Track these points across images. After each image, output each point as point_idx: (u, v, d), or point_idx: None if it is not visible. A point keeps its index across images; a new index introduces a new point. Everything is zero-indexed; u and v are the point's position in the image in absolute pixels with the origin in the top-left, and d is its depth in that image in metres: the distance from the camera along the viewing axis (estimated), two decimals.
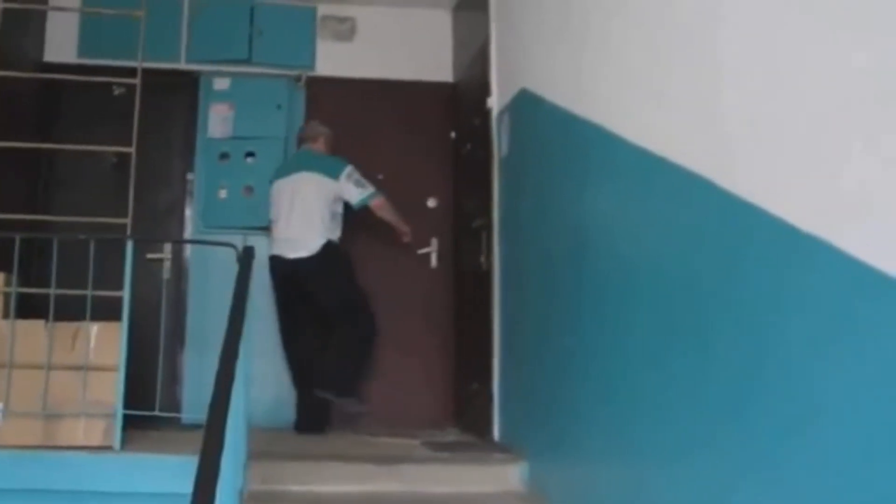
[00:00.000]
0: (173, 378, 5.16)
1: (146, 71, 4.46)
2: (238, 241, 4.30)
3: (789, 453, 1.87)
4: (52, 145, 4.83)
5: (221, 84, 5.57)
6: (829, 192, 1.75)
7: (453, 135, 5.55)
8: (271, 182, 5.08)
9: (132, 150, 4.30)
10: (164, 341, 4.41)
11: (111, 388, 3.76)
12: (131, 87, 4.44)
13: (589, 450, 3.13)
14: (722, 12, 2.25)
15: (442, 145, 5.60)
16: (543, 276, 3.74)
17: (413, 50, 5.72)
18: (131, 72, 4.42)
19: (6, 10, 4.31)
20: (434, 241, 5.56)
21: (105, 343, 3.84)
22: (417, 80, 5.69)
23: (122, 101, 4.79)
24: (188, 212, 5.53)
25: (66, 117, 5.32)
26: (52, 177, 5.35)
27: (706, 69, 2.31)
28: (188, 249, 5.46)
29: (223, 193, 5.45)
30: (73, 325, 3.85)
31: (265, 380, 4.75)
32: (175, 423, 4.58)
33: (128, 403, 3.77)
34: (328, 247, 4.84)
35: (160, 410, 4.07)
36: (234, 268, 3.71)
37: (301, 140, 5.23)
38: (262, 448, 3.70)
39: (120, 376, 3.75)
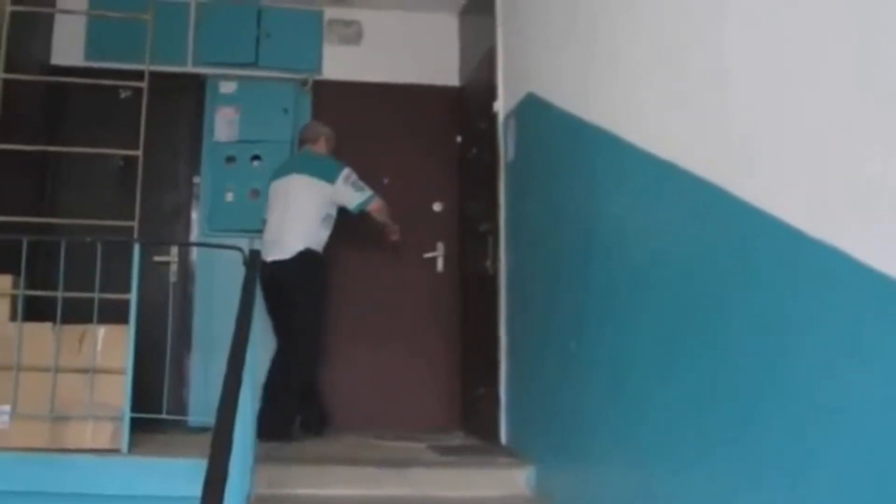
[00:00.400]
0: (180, 381, 5.16)
1: (153, 74, 4.46)
2: (244, 244, 4.29)
3: (800, 461, 1.86)
4: (58, 148, 4.83)
5: (228, 87, 5.58)
6: (839, 197, 1.75)
7: (459, 139, 5.56)
8: (269, 182, 5.07)
9: (139, 153, 4.30)
10: (170, 344, 4.40)
11: (118, 391, 3.76)
12: (138, 90, 4.44)
13: (596, 454, 3.12)
14: (729, 16, 2.25)
15: (448, 149, 5.60)
16: (550, 280, 3.74)
17: (419, 54, 5.72)
18: (138, 75, 4.43)
19: (14, 14, 4.32)
20: (440, 245, 5.56)
21: (112, 346, 3.84)
22: (424, 84, 5.70)
23: (129, 104, 4.80)
24: (194, 215, 5.53)
25: (73, 120, 5.33)
26: (59, 179, 5.36)
27: (714, 74, 2.30)
28: (195, 252, 5.47)
29: (229, 196, 5.46)
30: (80, 327, 3.85)
31: None
32: (181, 426, 4.58)
33: (135, 406, 3.77)
34: (306, 254, 4.69)
35: (167, 413, 4.07)
36: (240, 271, 3.72)
37: (301, 141, 5.17)
38: (269, 452, 3.70)
39: (127, 379, 3.76)
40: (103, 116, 5.19)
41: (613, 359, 2.97)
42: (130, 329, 3.80)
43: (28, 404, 3.73)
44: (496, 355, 4.43)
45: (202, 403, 4.83)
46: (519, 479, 3.75)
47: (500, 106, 4.60)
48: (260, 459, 3.51)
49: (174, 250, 5.40)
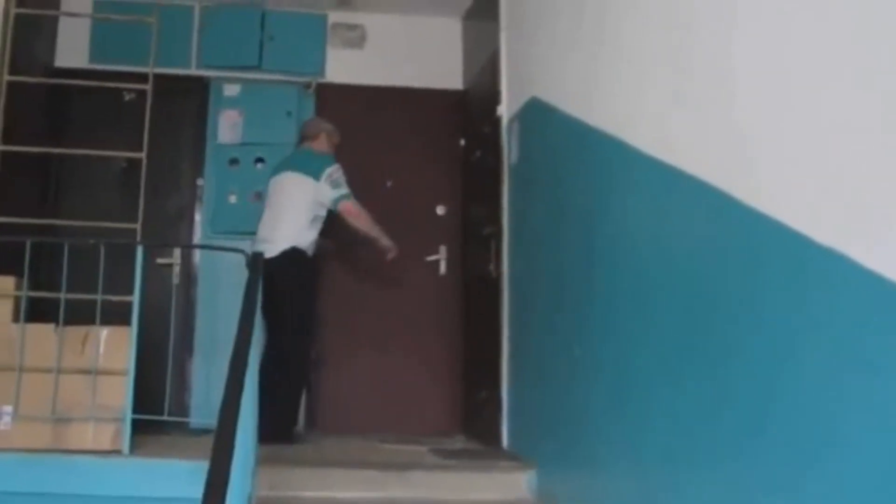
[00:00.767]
0: (182, 383, 5.17)
1: (157, 76, 4.46)
2: (247, 246, 4.31)
3: (807, 470, 1.85)
4: (62, 150, 4.84)
5: (231, 90, 5.60)
6: (848, 204, 1.74)
7: (463, 142, 5.56)
8: (269, 178, 5.03)
9: (142, 155, 4.30)
10: (173, 346, 4.40)
11: (120, 393, 3.75)
12: (142, 93, 4.44)
13: (599, 459, 3.11)
14: (735, 21, 2.24)
15: (451, 153, 5.61)
16: (553, 284, 3.73)
17: (423, 57, 5.72)
18: (142, 77, 4.43)
19: (18, 16, 4.32)
20: (443, 249, 5.56)
21: (114, 347, 3.84)
22: (427, 88, 5.70)
23: (133, 107, 4.80)
24: (198, 217, 5.54)
25: (77, 122, 5.34)
26: (63, 181, 5.37)
27: (720, 78, 2.30)
28: (197, 255, 5.48)
29: (233, 199, 5.47)
30: (83, 329, 3.85)
31: None
32: (183, 428, 4.58)
33: (136, 408, 3.77)
34: (292, 252, 4.62)
35: (168, 415, 4.07)
36: (243, 273, 3.73)
37: (302, 137, 5.11)
38: (270, 454, 3.70)
39: (129, 381, 3.75)
40: (107, 119, 5.21)
41: (617, 363, 2.97)
42: (133, 331, 3.80)
43: (30, 405, 3.73)
44: (499, 359, 4.43)
45: (204, 405, 4.83)
46: (521, 482, 3.74)
47: (504, 110, 4.60)
48: (261, 461, 3.50)
49: (177, 252, 5.41)
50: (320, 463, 3.95)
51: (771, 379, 1.98)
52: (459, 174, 5.58)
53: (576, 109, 3.47)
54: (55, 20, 5.34)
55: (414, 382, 5.35)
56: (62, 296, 3.79)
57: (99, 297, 3.80)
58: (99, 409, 3.76)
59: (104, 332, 3.85)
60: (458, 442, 4.92)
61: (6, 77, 4.24)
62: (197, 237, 5.52)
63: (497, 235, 4.57)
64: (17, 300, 3.93)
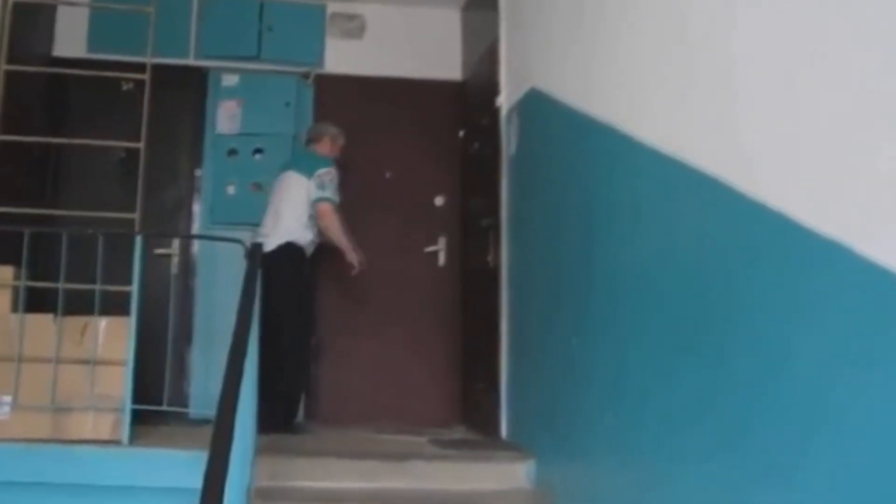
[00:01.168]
0: (181, 373, 5.16)
1: (155, 66, 4.45)
2: (246, 237, 4.31)
3: (802, 462, 1.85)
4: (60, 140, 4.83)
5: (230, 80, 5.58)
6: (849, 195, 1.73)
7: (461, 133, 5.55)
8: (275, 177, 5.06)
9: (141, 145, 4.30)
10: (171, 336, 4.41)
11: (119, 383, 3.76)
12: (140, 83, 4.43)
13: (596, 449, 3.12)
14: (736, 11, 2.24)
15: (450, 144, 5.60)
16: (552, 276, 3.74)
17: (422, 48, 5.71)
18: (140, 67, 4.42)
19: (16, 5, 4.31)
20: (441, 240, 5.56)
21: (113, 337, 3.84)
22: (426, 79, 5.69)
23: (131, 97, 4.79)
24: (196, 207, 5.53)
25: (75, 112, 5.33)
26: (61, 171, 5.35)
27: (722, 68, 2.29)
28: (196, 245, 5.47)
29: (231, 189, 5.46)
30: (82, 319, 3.85)
31: None
32: (182, 418, 4.59)
33: (136, 398, 3.78)
34: (288, 247, 4.69)
35: (168, 405, 4.08)
36: (241, 263, 3.73)
37: (308, 140, 5.18)
38: (270, 444, 3.70)
39: (129, 371, 3.76)
40: (105, 108, 5.19)
41: (615, 354, 2.97)
42: (132, 321, 3.81)
43: (29, 395, 3.73)
44: (497, 350, 4.43)
45: (203, 395, 4.83)
46: (519, 472, 3.75)
47: (503, 101, 4.59)
48: (261, 452, 3.51)
49: (176, 243, 5.41)
50: (320, 453, 3.95)
51: (769, 371, 1.98)
52: (458, 165, 5.58)
53: (575, 100, 3.46)
54: (53, 9, 5.33)
55: (413, 373, 5.36)
56: (61, 286, 3.79)
57: (98, 287, 3.80)
58: (98, 399, 3.77)
59: (103, 323, 3.86)
60: (457, 432, 4.93)
61: (4, 66, 4.23)
62: (195, 227, 5.51)
63: (496, 227, 4.57)
64: (15, 290, 3.93)
